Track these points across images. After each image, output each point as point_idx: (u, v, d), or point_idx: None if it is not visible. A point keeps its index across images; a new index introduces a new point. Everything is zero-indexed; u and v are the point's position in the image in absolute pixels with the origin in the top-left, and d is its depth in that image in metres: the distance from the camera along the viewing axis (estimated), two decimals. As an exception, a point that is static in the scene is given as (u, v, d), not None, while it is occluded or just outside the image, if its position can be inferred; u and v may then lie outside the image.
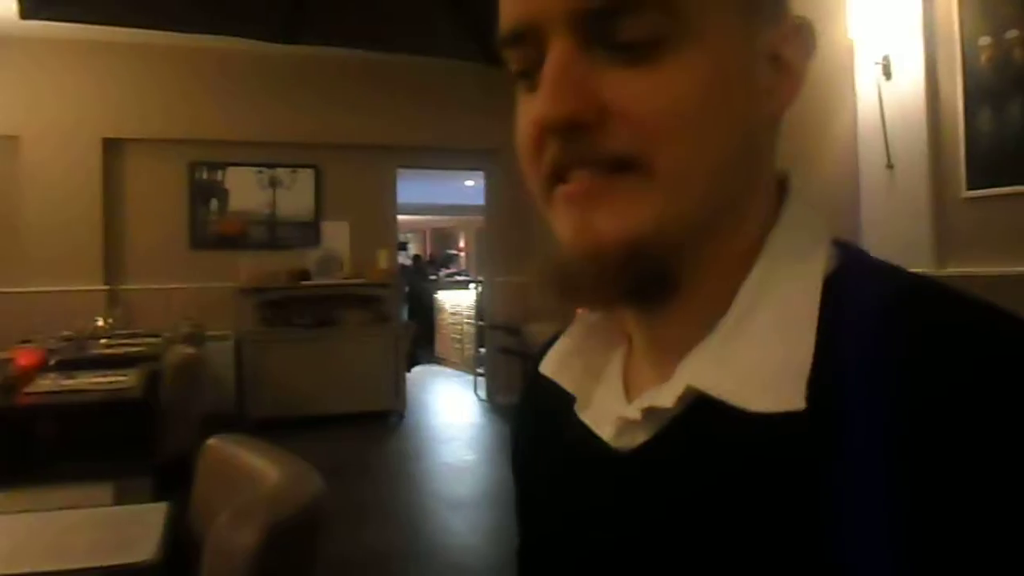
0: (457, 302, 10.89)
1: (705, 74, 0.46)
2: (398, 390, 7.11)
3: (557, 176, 0.49)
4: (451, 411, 7.86)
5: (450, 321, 11.07)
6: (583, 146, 0.47)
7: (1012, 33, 3.33)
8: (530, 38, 0.48)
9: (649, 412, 0.51)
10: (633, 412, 0.52)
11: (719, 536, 0.45)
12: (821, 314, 0.46)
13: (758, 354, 0.46)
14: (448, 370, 10.68)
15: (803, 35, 0.51)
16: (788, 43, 0.51)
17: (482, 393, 8.25)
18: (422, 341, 10.90)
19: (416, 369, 9.92)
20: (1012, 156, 3.34)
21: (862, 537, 0.40)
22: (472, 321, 9.57)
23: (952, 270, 3.56)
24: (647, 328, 0.55)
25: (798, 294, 0.47)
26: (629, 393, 0.56)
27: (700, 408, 0.48)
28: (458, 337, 10.63)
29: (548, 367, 0.62)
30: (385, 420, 6.91)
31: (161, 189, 6.85)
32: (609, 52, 0.46)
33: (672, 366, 0.51)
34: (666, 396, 0.49)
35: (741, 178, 0.50)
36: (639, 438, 0.52)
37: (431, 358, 11.37)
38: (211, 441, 1.19)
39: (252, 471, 1.09)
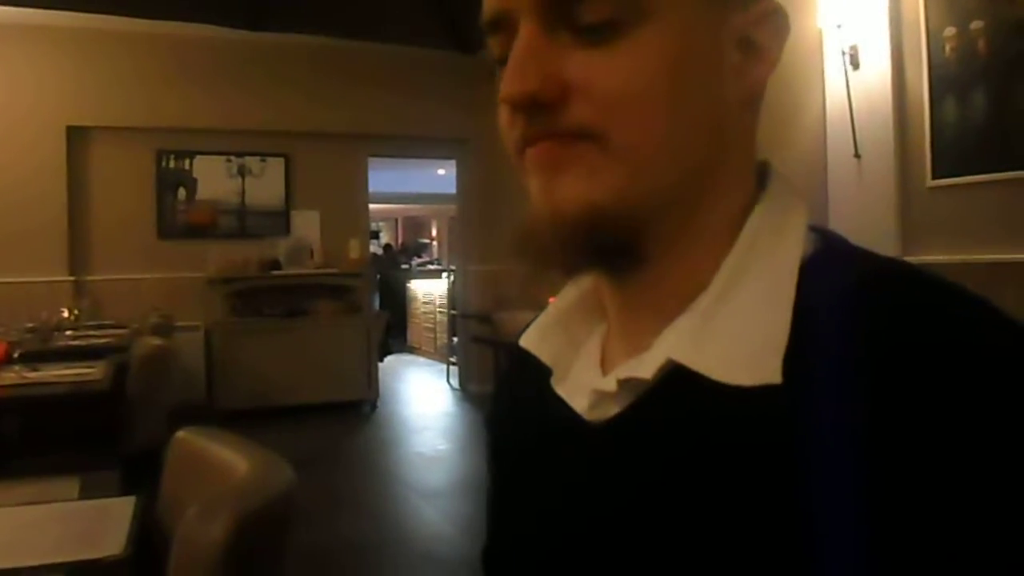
0: (429, 291, 10.87)
1: (663, 54, 0.48)
2: (370, 380, 7.09)
3: (526, 146, 0.52)
4: (424, 400, 7.86)
5: (422, 310, 11.05)
6: (546, 120, 0.49)
7: (976, 24, 3.37)
8: (504, 25, 0.51)
9: (625, 383, 0.52)
10: (608, 384, 0.53)
11: (694, 507, 0.46)
12: (798, 294, 0.47)
13: (737, 331, 0.48)
14: (421, 359, 10.67)
15: (774, 19, 0.52)
16: (758, 26, 0.52)
17: (455, 382, 8.25)
18: (394, 330, 10.87)
19: (389, 358, 9.90)
20: (975, 146, 3.40)
21: (829, 509, 0.41)
22: (444, 310, 9.56)
23: (917, 258, 3.61)
24: (621, 300, 0.56)
25: (777, 274, 0.49)
26: (605, 367, 0.57)
27: (675, 381, 0.49)
28: (430, 326, 10.62)
29: (528, 340, 0.63)
30: (357, 410, 6.90)
31: (128, 178, 6.76)
32: (573, 35, 0.49)
33: (645, 339, 0.52)
34: (645, 368, 0.50)
35: (705, 156, 0.51)
36: (612, 410, 0.53)
37: (404, 347, 11.35)
38: (180, 433, 1.18)
39: (221, 463, 1.08)
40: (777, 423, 0.44)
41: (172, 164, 6.93)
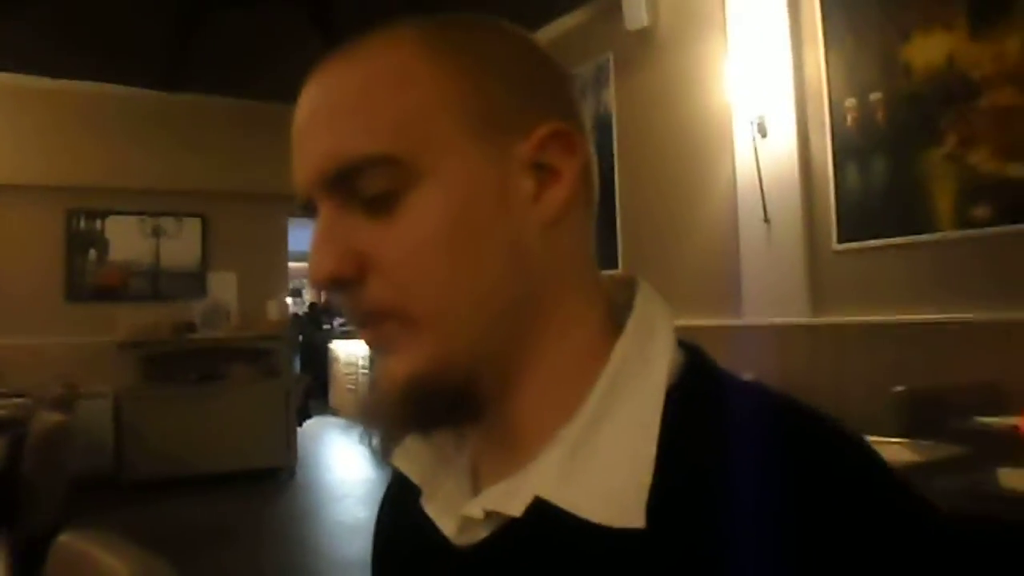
0: (352, 351, 10.71)
1: (442, 211, 0.49)
2: (289, 445, 6.89)
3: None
4: (344, 465, 7.67)
5: (345, 371, 10.87)
6: (352, 301, 0.51)
7: (875, 95, 3.55)
8: (310, 207, 0.53)
9: (493, 512, 0.52)
10: (476, 511, 0.52)
11: None
12: (665, 427, 0.48)
13: (603, 468, 0.48)
14: (343, 421, 10.45)
15: (563, 138, 0.53)
16: (545, 150, 0.52)
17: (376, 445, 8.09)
18: (316, 392, 10.65)
19: (309, 422, 9.67)
20: (877, 211, 3.55)
21: None
22: (367, 371, 9.42)
23: (825, 319, 3.72)
24: (482, 433, 0.57)
25: (642, 408, 0.49)
26: (477, 482, 0.57)
27: (542, 511, 0.49)
28: (353, 387, 10.44)
29: (398, 457, 0.62)
30: (275, 477, 6.68)
31: (35, 238, 6.51)
32: (362, 208, 0.50)
33: (513, 460, 0.52)
34: (514, 505, 0.50)
35: (513, 294, 0.51)
36: (480, 535, 0.53)
37: (326, 409, 11.11)
38: (62, 538, 1.10)
39: (102, 572, 1.02)
40: (641, 564, 0.45)
41: (83, 224, 6.72)
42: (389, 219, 0.49)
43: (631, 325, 0.53)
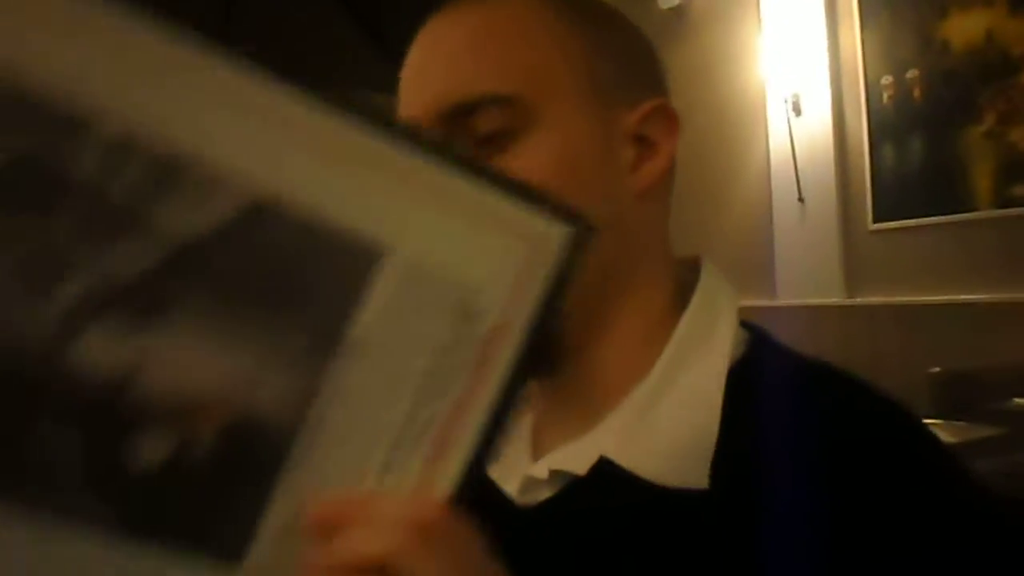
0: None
1: (551, 157, 0.51)
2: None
3: None
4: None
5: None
6: None
7: (911, 73, 3.49)
8: None
9: (556, 472, 0.53)
10: (540, 471, 0.54)
11: None
12: (728, 398, 0.50)
13: (668, 433, 0.50)
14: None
15: (664, 115, 0.55)
16: (648, 123, 0.55)
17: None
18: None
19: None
20: (913, 191, 3.49)
21: None
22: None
23: (860, 299, 3.69)
24: (547, 394, 0.59)
25: (705, 379, 0.51)
26: (537, 447, 0.59)
27: (605, 472, 0.50)
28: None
29: None
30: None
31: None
32: (475, 144, 0.51)
33: (575, 425, 0.54)
34: (580, 463, 0.52)
35: (609, 254, 0.53)
36: (543, 495, 0.54)
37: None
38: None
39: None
40: (703, 525, 0.46)
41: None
42: (498, 157, 0.51)
43: (696, 300, 0.55)
